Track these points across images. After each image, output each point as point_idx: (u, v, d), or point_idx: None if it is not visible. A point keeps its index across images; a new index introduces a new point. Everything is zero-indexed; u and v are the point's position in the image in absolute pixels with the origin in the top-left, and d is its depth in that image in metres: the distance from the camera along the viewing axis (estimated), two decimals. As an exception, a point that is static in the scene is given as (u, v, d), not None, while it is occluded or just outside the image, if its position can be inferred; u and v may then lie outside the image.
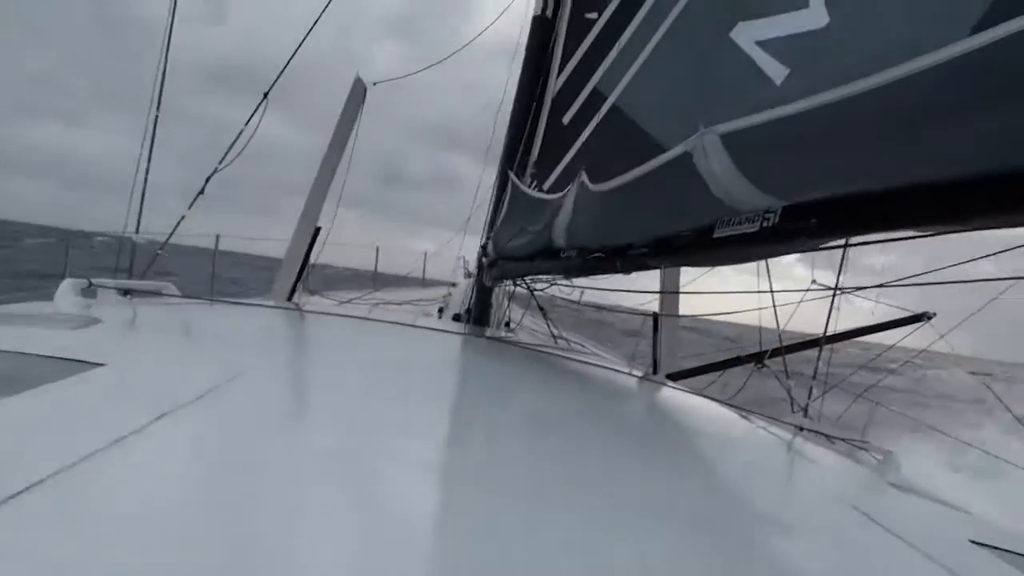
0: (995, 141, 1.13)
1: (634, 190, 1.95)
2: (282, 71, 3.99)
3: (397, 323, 3.29)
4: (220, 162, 3.78)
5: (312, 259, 4.46)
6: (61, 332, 1.82)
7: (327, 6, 4.48)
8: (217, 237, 4.47)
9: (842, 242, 2.07)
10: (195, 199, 3.87)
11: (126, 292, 3.03)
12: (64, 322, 2.01)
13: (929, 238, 1.67)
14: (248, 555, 0.72)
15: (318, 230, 4.36)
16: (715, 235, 1.97)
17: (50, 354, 1.45)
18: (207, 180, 3.81)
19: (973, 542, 1.22)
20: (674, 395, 2.96)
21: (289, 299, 4.27)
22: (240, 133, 3.75)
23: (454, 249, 8.67)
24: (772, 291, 3.57)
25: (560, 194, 2.77)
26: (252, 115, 3.76)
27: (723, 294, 3.77)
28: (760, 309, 3.77)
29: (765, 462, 2.02)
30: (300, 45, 4.46)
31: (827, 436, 2.83)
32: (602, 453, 1.53)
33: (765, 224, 1.78)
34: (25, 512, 0.72)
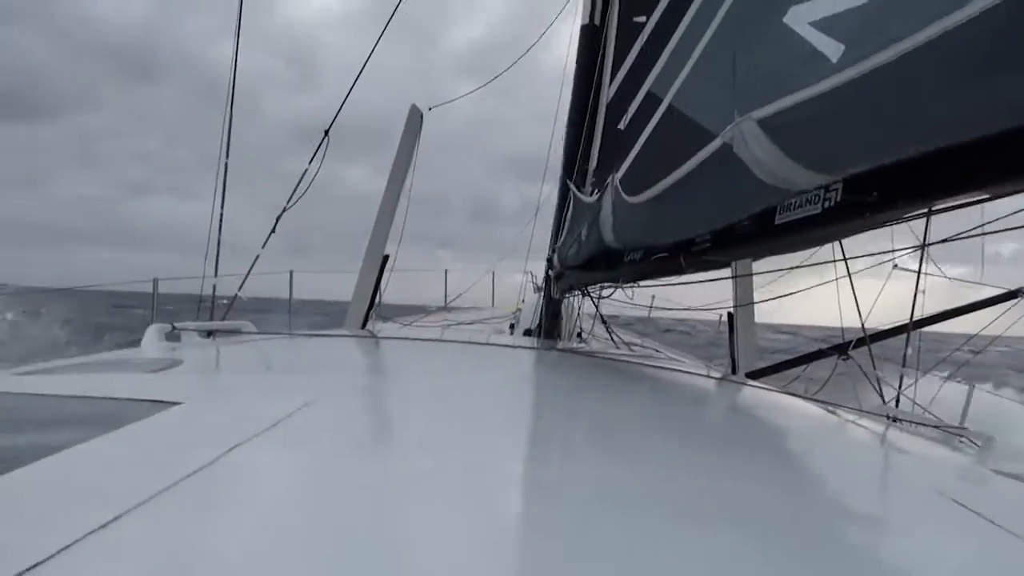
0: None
1: (677, 192, 1.93)
2: (340, 108, 4.12)
3: (471, 342, 3.32)
4: (288, 201, 3.93)
5: (382, 287, 4.55)
6: (145, 376, 1.91)
7: (375, 46, 4.61)
8: (291, 273, 4.62)
9: (924, 210, 1.99)
10: (267, 238, 4.02)
11: (208, 333, 3.15)
12: (148, 365, 2.11)
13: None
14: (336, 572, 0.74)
15: (386, 258, 4.46)
16: (777, 222, 1.93)
17: (133, 396, 1.52)
18: (277, 219, 3.97)
19: None
20: (757, 394, 2.88)
21: (363, 327, 4.36)
22: (305, 172, 3.89)
23: (518, 271, 8.69)
24: (849, 273, 3.41)
25: (598, 195, 2.77)
26: (315, 153, 3.90)
27: (796, 293, 3.66)
28: (838, 280, 3.61)
29: (857, 457, 1.93)
30: (356, 81, 4.60)
31: (921, 425, 2.71)
32: (688, 456, 1.50)
33: (827, 203, 1.74)
34: (110, 544, 0.75)
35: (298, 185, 3.90)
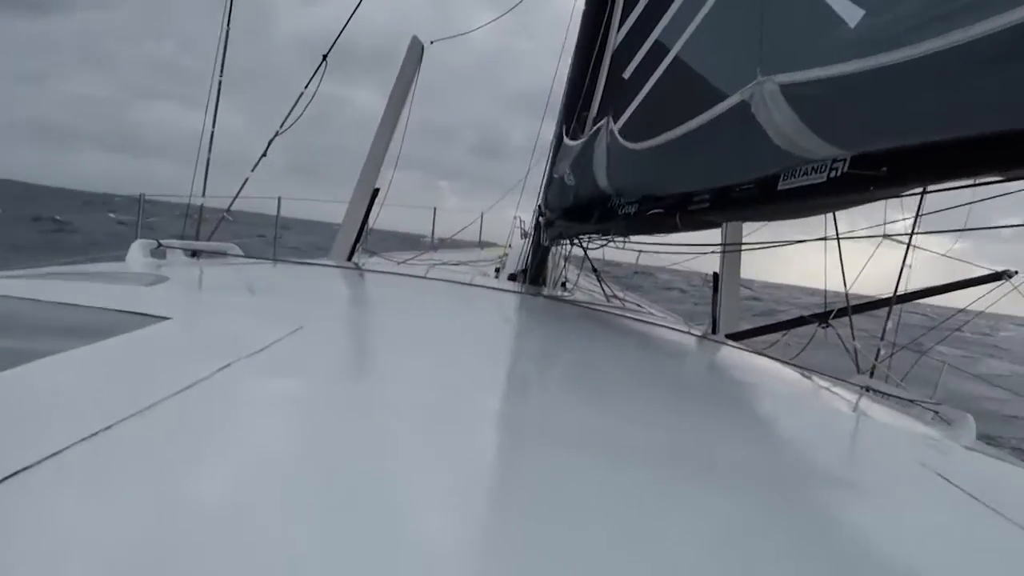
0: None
1: (688, 141, 1.89)
2: (340, 33, 4.00)
3: (455, 282, 3.30)
4: (281, 125, 3.83)
5: (371, 220, 4.50)
6: (131, 288, 1.88)
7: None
8: (279, 199, 4.52)
9: (919, 189, 1.98)
10: (257, 162, 3.93)
11: (193, 253, 3.11)
12: (134, 279, 2.08)
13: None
14: (323, 496, 0.74)
15: (376, 191, 4.39)
16: (780, 187, 1.91)
17: (120, 308, 1.50)
18: (269, 142, 3.88)
19: None
20: (734, 353, 2.90)
21: (349, 259, 4.32)
22: (300, 95, 3.79)
23: (511, 209, 8.62)
24: (839, 236, 3.42)
25: (589, 134, 2.73)
26: (311, 79, 3.79)
27: (785, 244, 3.65)
28: (826, 240, 3.62)
29: (833, 423, 1.96)
30: (356, 7, 4.46)
31: (897, 398, 2.74)
32: (663, 411, 1.51)
33: (833, 174, 1.72)
34: (98, 454, 0.75)
35: (293, 108, 3.80)
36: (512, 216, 8.67)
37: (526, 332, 2.24)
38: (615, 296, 6.22)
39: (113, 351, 1.16)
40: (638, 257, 5.07)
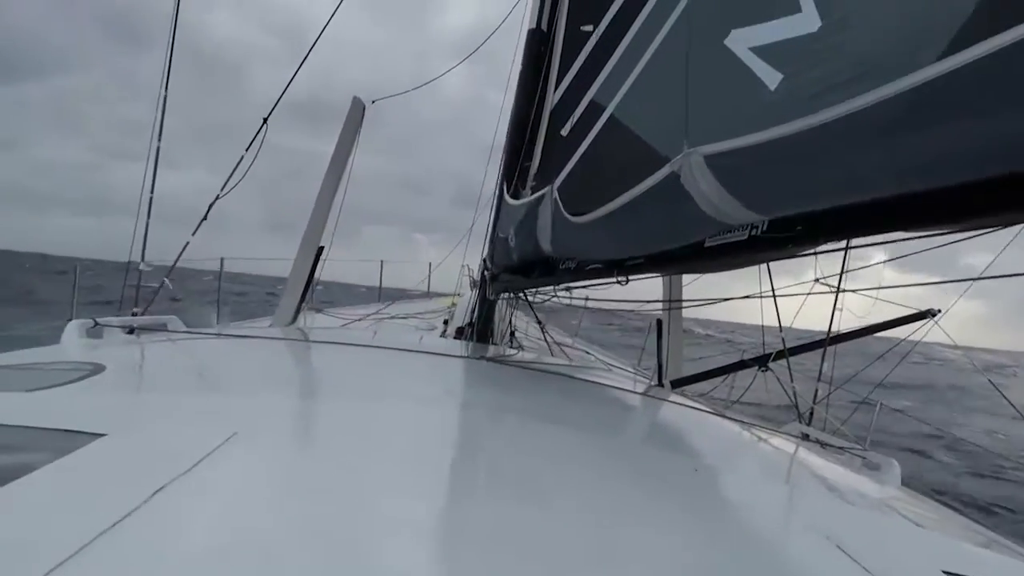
0: (969, 152, 1.18)
1: (625, 212, 1.99)
2: (281, 95, 4.05)
3: (398, 349, 3.27)
4: (222, 189, 3.83)
5: (316, 278, 4.50)
6: (64, 392, 1.79)
7: (323, 31, 4.55)
8: (222, 261, 4.50)
9: (843, 244, 2.11)
10: (198, 226, 3.88)
11: (131, 330, 3.01)
12: (67, 373, 1.97)
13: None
14: None
15: (321, 249, 4.41)
16: (707, 244, 2.02)
17: (51, 426, 1.41)
18: (209, 206, 3.84)
19: (946, 572, 1.21)
20: (676, 411, 2.95)
21: (294, 320, 4.29)
22: (241, 159, 3.79)
23: (459, 259, 8.71)
24: (775, 295, 3.62)
25: (533, 198, 2.81)
26: (252, 141, 3.81)
27: (726, 300, 3.82)
28: (762, 297, 3.80)
29: (754, 481, 1.98)
30: (300, 66, 4.52)
31: (827, 445, 2.87)
32: (602, 477, 1.53)
33: (754, 232, 1.83)
34: None
35: (234, 170, 3.80)
36: (460, 265, 8.77)
37: (462, 408, 2.19)
38: (563, 344, 6.30)
39: (44, 484, 1.08)
40: (585, 303, 5.19)
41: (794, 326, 4.02)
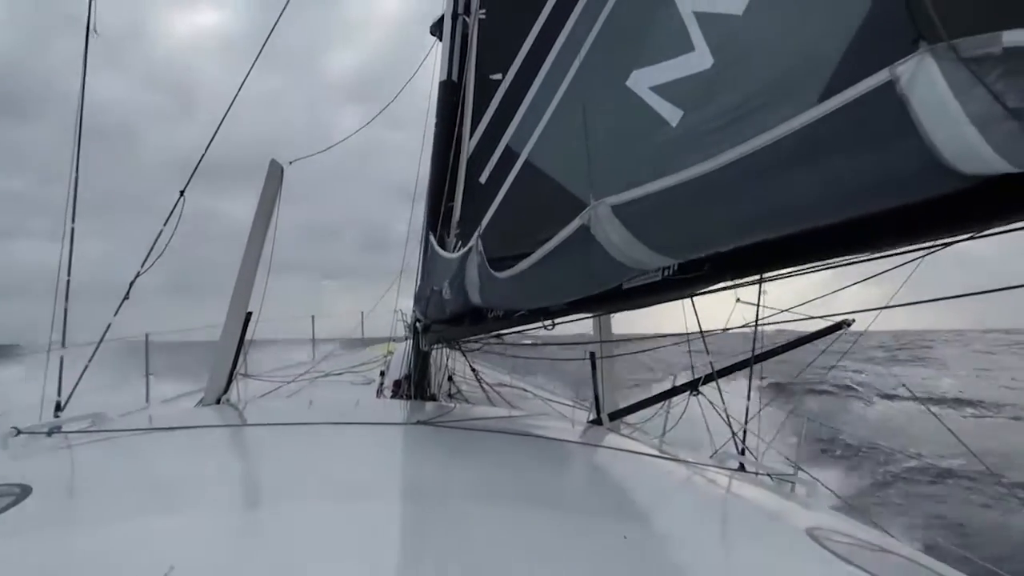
0: (833, 194, 1.29)
1: (541, 269, 2.05)
2: (196, 167, 4.02)
3: (334, 423, 3.19)
4: (142, 265, 3.75)
5: (246, 344, 4.42)
6: None
7: (240, 90, 4.56)
8: (147, 337, 4.38)
9: (757, 277, 2.22)
10: (120, 305, 3.79)
11: (51, 432, 2.84)
12: None
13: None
14: None
15: (249, 315, 4.34)
16: (625, 287, 2.10)
17: None
18: (131, 284, 3.76)
19: None
20: (611, 457, 2.99)
21: (226, 391, 4.18)
22: (160, 233, 3.74)
23: (391, 303, 8.68)
24: (702, 332, 3.79)
25: (460, 253, 2.87)
26: (171, 214, 3.76)
27: (655, 337, 3.95)
28: (689, 338, 3.94)
29: (684, 525, 2.04)
30: (216, 131, 4.51)
31: (757, 473, 2.99)
32: (534, 552, 1.54)
33: (666, 273, 1.92)
34: None
35: (153, 246, 3.74)
36: (392, 310, 8.73)
37: (402, 497, 2.15)
38: (502, 385, 6.33)
39: None
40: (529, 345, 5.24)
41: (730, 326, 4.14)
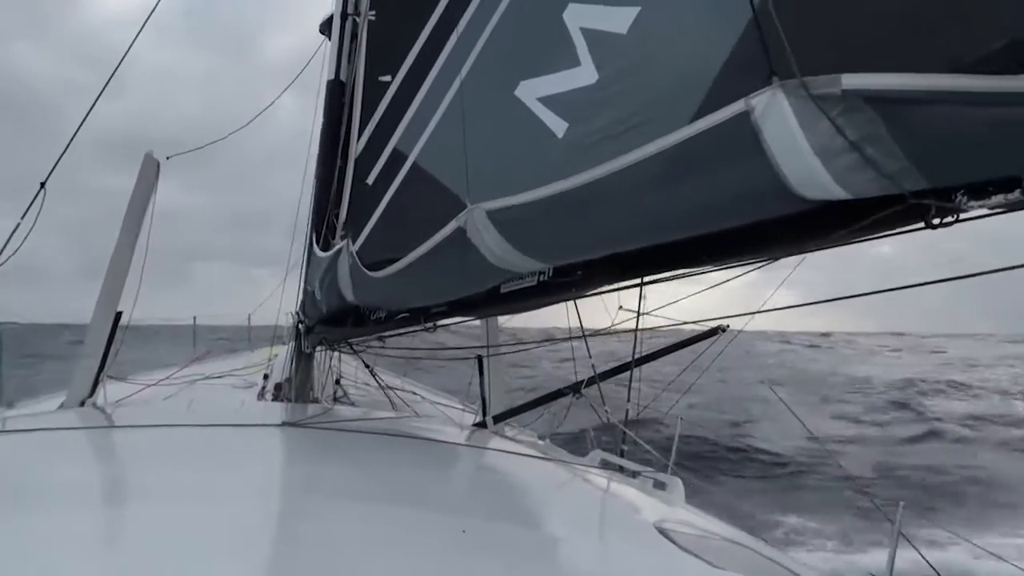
0: (695, 209, 1.37)
1: (420, 265, 2.07)
2: (59, 159, 3.78)
3: (204, 425, 3.06)
4: (-2, 260, 3.49)
5: (116, 345, 4.18)
6: None
7: (112, 76, 4.32)
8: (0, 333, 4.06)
9: (638, 282, 2.31)
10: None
11: None
12: None
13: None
14: None
15: (119, 315, 4.12)
16: (503, 291, 2.15)
17: None
18: (-14, 276, 3.51)
19: None
20: (484, 457, 3.03)
21: (92, 394, 3.93)
22: (16, 227, 3.49)
23: (277, 302, 8.42)
24: (584, 335, 3.91)
25: (332, 252, 2.85)
26: (28, 208, 3.52)
27: (543, 343, 4.04)
28: (572, 340, 4.05)
29: (533, 526, 2.10)
30: (82, 123, 4.26)
31: (625, 471, 3.13)
32: (420, 536, 1.58)
33: (542, 278, 1.98)
34: None
35: (8, 241, 3.47)
36: (276, 313, 8.47)
37: (272, 497, 2.09)
38: (392, 387, 6.28)
39: None
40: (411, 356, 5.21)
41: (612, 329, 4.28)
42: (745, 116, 1.25)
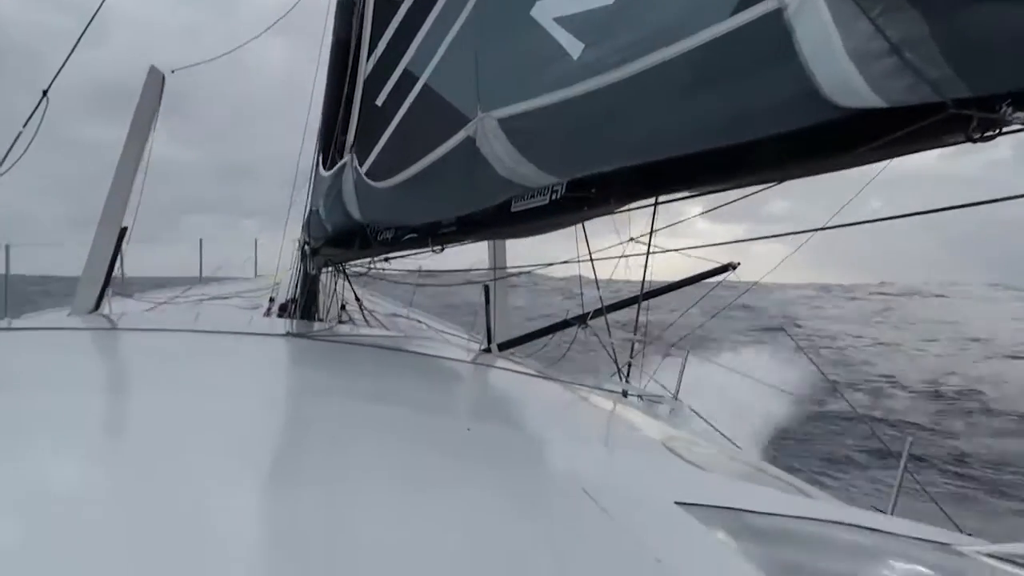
0: (717, 119, 1.30)
1: (426, 177, 2.01)
2: (61, 68, 3.68)
3: (212, 331, 3.07)
4: (-1, 166, 3.44)
5: (121, 261, 4.15)
6: None
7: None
8: (7, 248, 4.04)
9: (652, 201, 2.25)
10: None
11: None
12: None
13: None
14: None
15: (124, 231, 4.07)
16: (513, 209, 2.09)
17: None
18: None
19: (678, 503, 1.27)
20: (496, 375, 3.02)
21: (97, 307, 3.92)
22: (19, 134, 3.42)
23: (288, 239, 8.37)
24: (591, 258, 3.81)
25: (336, 168, 2.79)
26: (31, 116, 3.45)
27: (548, 265, 3.97)
28: (580, 262, 3.98)
29: (539, 437, 2.05)
30: (80, 37, 4.15)
31: (633, 396, 3.11)
32: (426, 450, 1.53)
33: (554, 196, 1.92)
34: None
35: (12, 147, 3.42)
36: (285, 242, 8.42)
37: (277, 390, 2.09)
38: (397, 315, 6.26)
39: None
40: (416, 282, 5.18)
41: (614, 278, 4.21)
42: (777, 14, 1.18)
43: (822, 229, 1.97)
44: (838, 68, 1.14)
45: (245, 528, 1.02)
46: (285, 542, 0.97)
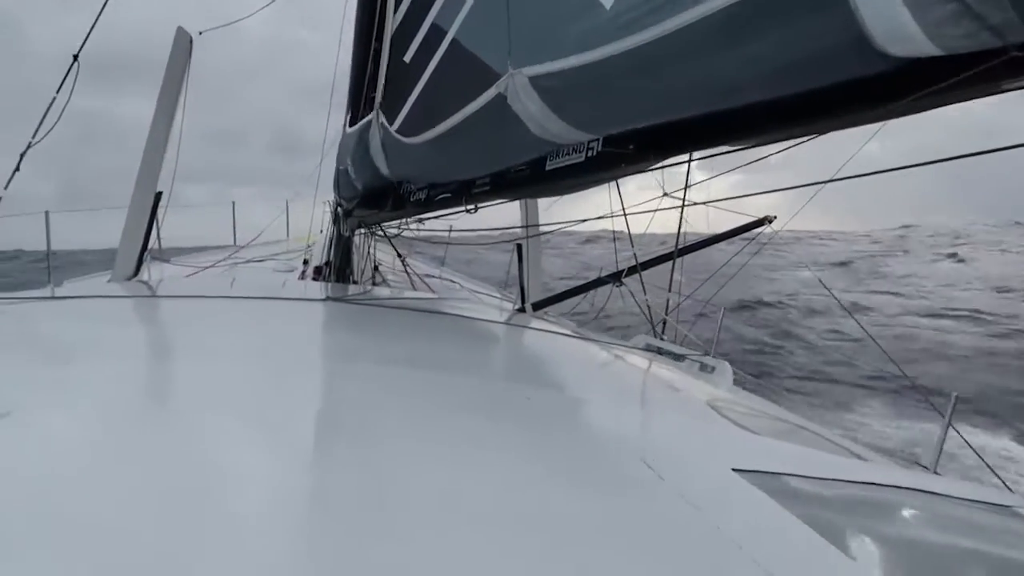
0: (760, 70, 1.24)
1: (457, 133, 1.98)
2: (91, 30, 3.68)
3: (251, 297, 3.09)
4: (33, 135, 3.46)
5: (157, 226, 4.18)
6: None
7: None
8: (47, 215, 4.10)
9: (686, 157, 2.19)
10: (11, 177, 3.55)
11: None
12: None
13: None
14: None
15: (159, 195, 4.10)
16: (548, 167, 2.05)
17: None
18: (21, 156, 3.49)
19: (735, 470, 1.25)
20: (532, 336, 3.01)
21: (136, 273, 3.97)
22: (52, 101, 3.44)
23: (313, 201, 8.40)
24: (625, 213, 3.74)
25: (362, 123, 2.75)
26: (63, 82, 3.45)
27: (581, 222, 3.92)
28: (613, 216, 3.91)
29: (589, 399, 2.02)
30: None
31: (670, 354, 3.08)
32: (445, 413, 1.52)
33: (590, 153, 1.87)
34: None
35: (45, 116, 3.44)
36: (313, 205, 8.46)
37: (319, 362, 2.09)
38: (429, 276, 6.28)
39: None
40: (449, 233, 5.17)
41: (651, 231, 4.14)
42: (827, -42, 1.11)
43: (850, 177, 1.91)
44: (892, 14, 1.08)
45: (297, 491, 1.03)
46: (340, 506, 0.97)
